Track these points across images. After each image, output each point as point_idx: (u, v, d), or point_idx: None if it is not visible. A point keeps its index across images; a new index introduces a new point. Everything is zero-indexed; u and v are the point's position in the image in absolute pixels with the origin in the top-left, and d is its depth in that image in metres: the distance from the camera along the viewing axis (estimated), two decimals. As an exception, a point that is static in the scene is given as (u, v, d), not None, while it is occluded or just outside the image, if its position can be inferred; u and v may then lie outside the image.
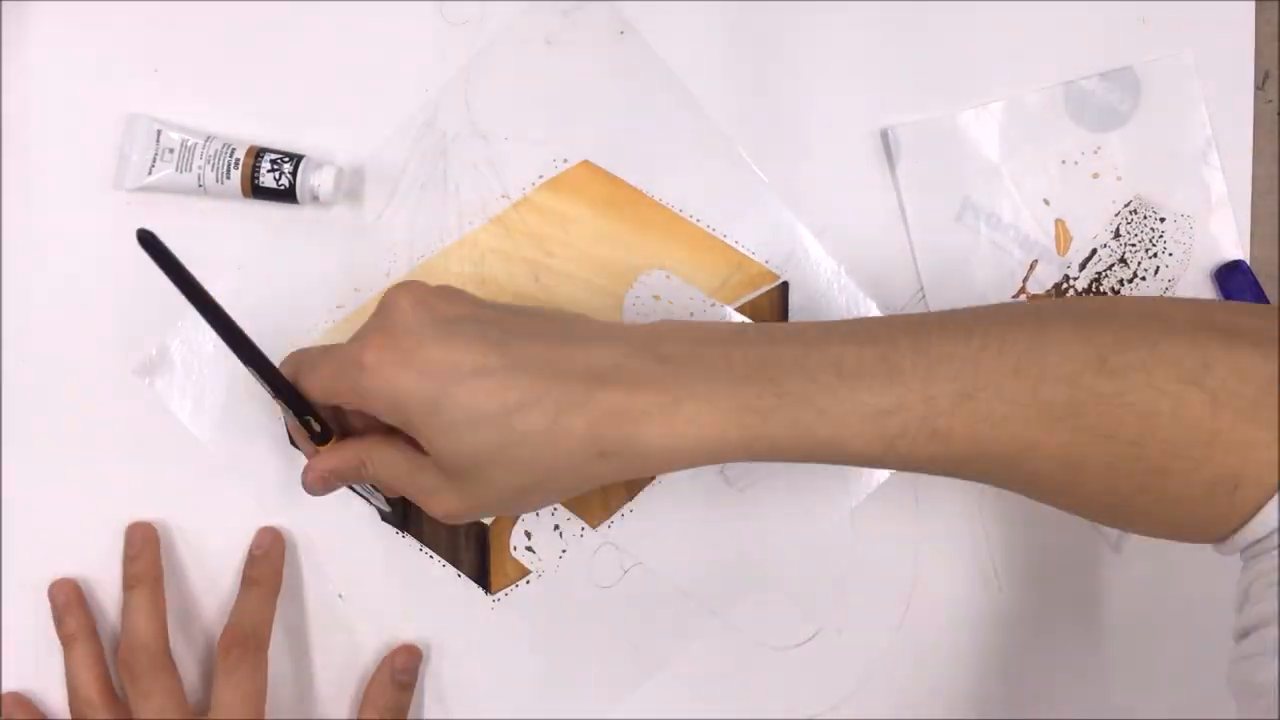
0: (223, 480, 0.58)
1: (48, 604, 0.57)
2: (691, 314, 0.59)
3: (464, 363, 0.43)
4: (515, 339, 0.44)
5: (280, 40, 0.59)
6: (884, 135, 0.60)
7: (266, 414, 0.58)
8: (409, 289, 0.46)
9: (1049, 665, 0.60)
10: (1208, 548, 0.59)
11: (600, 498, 0.59)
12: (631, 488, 0.59)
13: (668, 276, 0.59)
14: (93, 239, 0.58)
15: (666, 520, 0.59)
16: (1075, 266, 0.60)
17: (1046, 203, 0.60)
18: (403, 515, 0.58)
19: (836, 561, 0.59)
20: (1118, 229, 0.60)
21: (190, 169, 0.57)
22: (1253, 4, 0.61)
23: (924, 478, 0.59)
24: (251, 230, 0.58)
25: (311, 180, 0.56)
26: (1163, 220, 0.60)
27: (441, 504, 0.47)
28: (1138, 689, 0.60)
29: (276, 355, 0.57)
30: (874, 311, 0.59)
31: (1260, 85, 0.61)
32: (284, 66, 0.59)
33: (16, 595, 0.58)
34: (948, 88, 0.60)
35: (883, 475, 0.59)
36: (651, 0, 0.59)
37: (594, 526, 0.59)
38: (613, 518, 0.59)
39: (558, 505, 0.58)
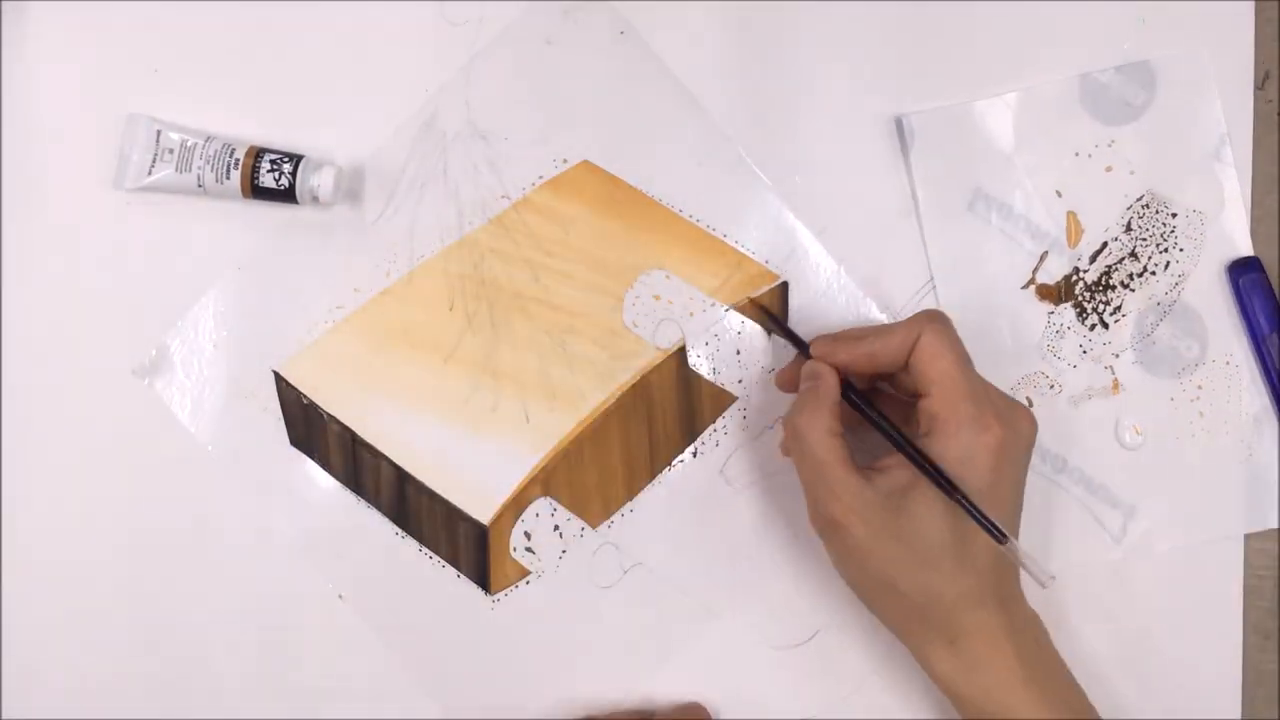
0: (222, 480, 0.58)
1: (48, 602, 0.57)
2: (691, 314, 0.59)
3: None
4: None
5: (280, 41, 0.59)
6: (898, 123, 0.60)
7: (265, 414, 0.58)
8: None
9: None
10: (1212, 546, 0.60)
11: (600, 498, 0.59)
12: (631, 488, 0.59)
13: (667, 276, 0.59)
14: (93, 239, 0.58)
15: (666, 520, 0.59)
16: (1085, 259, 0.60)
17: (1059, 194, 0.60)
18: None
19: (836, 561, 0.59)
20: (1129, 223, 0.60)
21: (190, 169, 0.57)
22: (1253, 4, 0.61)
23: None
24: (251, 230, 0.58)
25: (311, 180, 0.56)
26: (1174, 215, 0.60)
27: (836, 507, 0.50)
28: (1140, 688, 0.59)
29: (276, 355, 0.58)
30: (873, 310, 0.59)
31: (1260, 85, 0.61)
32: (284, 67, 0.59)
33: (16, 595, 0.58)
34: (959, 78, 0.60)
35: (883, 475, 0.59)
36: (651, 0, 0.59)
37: (594, 526, 0.59)
38: (612, 518, 0.59)
39: (557, 505, 0.58)
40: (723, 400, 0.59)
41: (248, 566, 0.58)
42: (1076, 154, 0.60)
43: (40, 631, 0.57)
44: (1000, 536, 0.48)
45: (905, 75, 0.60)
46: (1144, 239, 0.60)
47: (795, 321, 0.59)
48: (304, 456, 0.59)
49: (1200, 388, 0.60)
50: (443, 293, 0.59)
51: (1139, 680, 0.59)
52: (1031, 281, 0.60)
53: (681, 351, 0.59)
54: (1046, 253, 0.60)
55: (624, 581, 0.59)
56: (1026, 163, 0.60)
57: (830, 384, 0.52)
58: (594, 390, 0.58)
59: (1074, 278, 0.60)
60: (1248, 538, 0.60)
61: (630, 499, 0.59)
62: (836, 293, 0.59)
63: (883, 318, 0.59)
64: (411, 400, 0.58)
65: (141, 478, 0.58)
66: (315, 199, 0.56)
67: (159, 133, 0.57)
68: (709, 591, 0.59)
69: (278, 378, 0.58)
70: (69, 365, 0.58)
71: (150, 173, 0.57)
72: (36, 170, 0.58)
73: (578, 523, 0.59)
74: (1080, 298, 0.60)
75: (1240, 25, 0.61)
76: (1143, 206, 0.60)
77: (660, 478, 0.59)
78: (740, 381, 0.59)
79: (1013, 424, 0.51)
